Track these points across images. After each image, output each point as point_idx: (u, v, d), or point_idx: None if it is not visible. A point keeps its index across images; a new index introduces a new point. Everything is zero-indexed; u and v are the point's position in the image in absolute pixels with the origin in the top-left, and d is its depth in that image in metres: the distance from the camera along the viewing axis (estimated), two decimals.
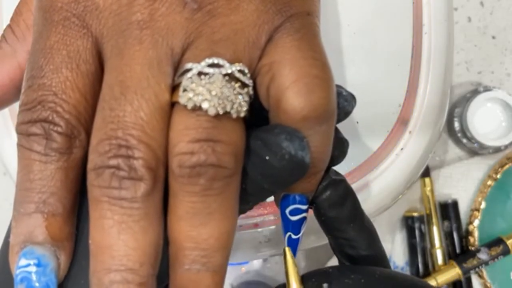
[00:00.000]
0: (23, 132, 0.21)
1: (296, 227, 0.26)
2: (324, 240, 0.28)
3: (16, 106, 0.25)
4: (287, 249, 0.26)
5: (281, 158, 0.21)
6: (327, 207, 0.26)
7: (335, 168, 0.26)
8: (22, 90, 0.22)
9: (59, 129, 0.21)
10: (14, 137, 0.36)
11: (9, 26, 0.25)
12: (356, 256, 0.27)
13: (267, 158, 0.22)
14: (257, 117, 0.23)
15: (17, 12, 0.25)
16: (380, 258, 0.27)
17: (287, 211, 0.25)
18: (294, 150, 0.21)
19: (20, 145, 0.22)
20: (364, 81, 0.35)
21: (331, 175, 0.25)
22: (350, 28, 0.35)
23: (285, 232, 0.26)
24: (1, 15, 0.36)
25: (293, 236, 0.26)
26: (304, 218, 0.26)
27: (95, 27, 0.22)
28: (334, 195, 0.25)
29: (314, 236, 0.36)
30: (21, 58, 0.24)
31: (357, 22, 0.35)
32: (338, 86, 0.24)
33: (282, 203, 0.25)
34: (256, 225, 0.36)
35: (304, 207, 0.25)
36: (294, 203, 0.25)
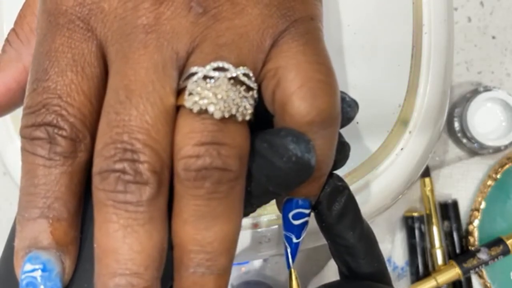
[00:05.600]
0: (27, 136, 0.21)
1: (298, 231, 0.26)
2: (324, 240, 0.28)
3: None
4: (293, 270, 0.26)
5: (287, 160, 0.22)
6: (329, 214, 0.26)
7: (337, 171, 0.26)
8: (26, 93, 0.22)
9: (64, 133, 0.21)
10: (14, 137, 0.36)
11: (13, 29, 0.25)
12: (354, 263, 0.27)
13: (273, 160, 0.22)
14: (261, 120, 0.23)
15: (21, 16, 0.25)
16: (378, 267, 0.28)
17: (290, 215, 0.25)
18: (301, 152, 0.22)
19: (24, 149, 0.22)
20: (364, 81, 0.35)
21: (335, 181, 0.26)
22: (350, 28, 0.35)
23: (286, 236, 0.26)
24: (1, 16, 0.36)
25: (294, 240, 0.26)
26: (306, 222, 0.26)
27: (99, 30, 0.22)
28: (337, 203, 0.26)
29: (314, 236, 0.36)
30: (26, 61, 0.24)
31: (358, 22, 0.35)
32: (341, 92, 0.24)
33: (285, 207, 0.25)
34: (256, 225, 0.36)
35: (307, 211, 0.25)
36: (297, 207, 0.25)
